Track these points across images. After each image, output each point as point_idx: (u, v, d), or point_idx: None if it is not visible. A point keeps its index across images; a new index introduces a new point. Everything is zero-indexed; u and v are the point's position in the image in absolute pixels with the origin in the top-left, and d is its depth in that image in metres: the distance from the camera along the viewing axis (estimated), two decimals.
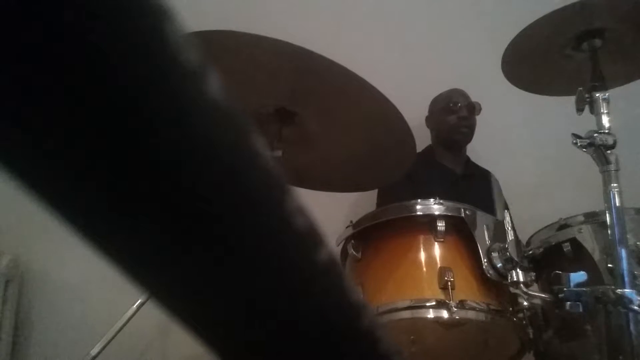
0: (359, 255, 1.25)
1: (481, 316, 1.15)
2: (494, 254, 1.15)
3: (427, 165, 1.86)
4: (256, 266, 0.16)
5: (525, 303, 1.17)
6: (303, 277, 0.18)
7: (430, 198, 1.23)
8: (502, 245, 1.15)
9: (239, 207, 0.15)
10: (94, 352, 1.24)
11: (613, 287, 1.01)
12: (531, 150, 2.19)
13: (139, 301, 1.29)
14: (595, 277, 1.09)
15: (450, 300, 1.11)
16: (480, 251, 1.16)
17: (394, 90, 1.20)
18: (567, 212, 1.26)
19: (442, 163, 1.91)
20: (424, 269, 1.19)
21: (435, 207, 1.22)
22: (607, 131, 1.09)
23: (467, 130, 1.90)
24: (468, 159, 1.98)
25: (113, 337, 1.27)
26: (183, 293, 0.17)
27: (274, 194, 0.16)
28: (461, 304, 1.12)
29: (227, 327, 0.18)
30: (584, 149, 1.09)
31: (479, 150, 2.02)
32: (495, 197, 1.89)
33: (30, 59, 0.12)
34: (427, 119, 1.99)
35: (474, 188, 1.84)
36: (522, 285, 1.11)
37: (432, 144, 1.98)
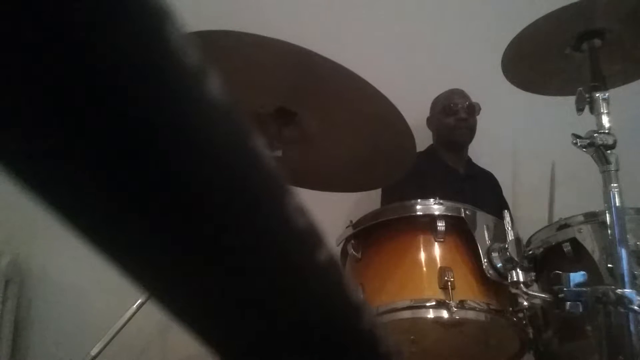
0: (359, 255, 1.24)
1: (481, 316, 1.15)
2: (494, 254, 1.15)
3: (432, 165, 1.86)
4: (256, 266, 0.16)
5: (525, 303, 1.17)
6: (303, 277, 0.18)
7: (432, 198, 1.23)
8: (502, 245, 1.15)
9: (239, 207, 0.15)
10: (94, 352, 1.24)
11: (613, 287, 1.01)
12: (531, 151, 2.19)
13: (139, 301, 1.29)
14: (595, 277, 1.08)
15: (450, 300, 1.11)
16: (480, 251, 1.16)
17: (394, 90, 1.20)
18: (567, 212, 1.26)
19: (446, 163, 1.91)
20: (424, 269, 1.19)
21: (435, 207, 1.22)
22: (607, 131, 1.09)
23: (466, 131, 1.90)
24: (469, 160, 1.98)
25: (113, 337, 1.27)
26: (183, 293, 0.17)
27: (274, 194, 0.16)
28: (461, 304, 1.12)
29: (227, 327, 0.18)
30: (584, 149, 1.09)
31: (478, 150, 2.02)
32: (498, 197, 1.89)
33: (30, 58, 0.12)
34: (428, 120, 1.99)
35: (478, 188, 1.84)
36: (522, 285, 1.11)
37: (433, 144, 1.98)
